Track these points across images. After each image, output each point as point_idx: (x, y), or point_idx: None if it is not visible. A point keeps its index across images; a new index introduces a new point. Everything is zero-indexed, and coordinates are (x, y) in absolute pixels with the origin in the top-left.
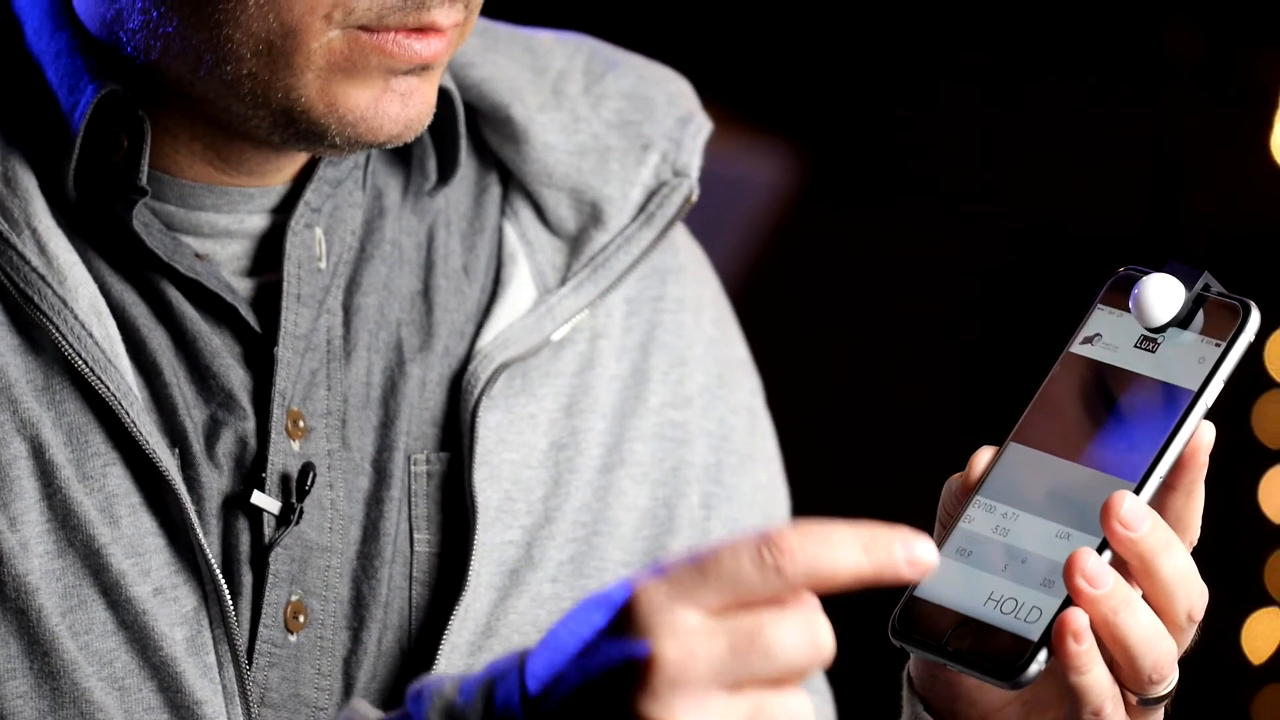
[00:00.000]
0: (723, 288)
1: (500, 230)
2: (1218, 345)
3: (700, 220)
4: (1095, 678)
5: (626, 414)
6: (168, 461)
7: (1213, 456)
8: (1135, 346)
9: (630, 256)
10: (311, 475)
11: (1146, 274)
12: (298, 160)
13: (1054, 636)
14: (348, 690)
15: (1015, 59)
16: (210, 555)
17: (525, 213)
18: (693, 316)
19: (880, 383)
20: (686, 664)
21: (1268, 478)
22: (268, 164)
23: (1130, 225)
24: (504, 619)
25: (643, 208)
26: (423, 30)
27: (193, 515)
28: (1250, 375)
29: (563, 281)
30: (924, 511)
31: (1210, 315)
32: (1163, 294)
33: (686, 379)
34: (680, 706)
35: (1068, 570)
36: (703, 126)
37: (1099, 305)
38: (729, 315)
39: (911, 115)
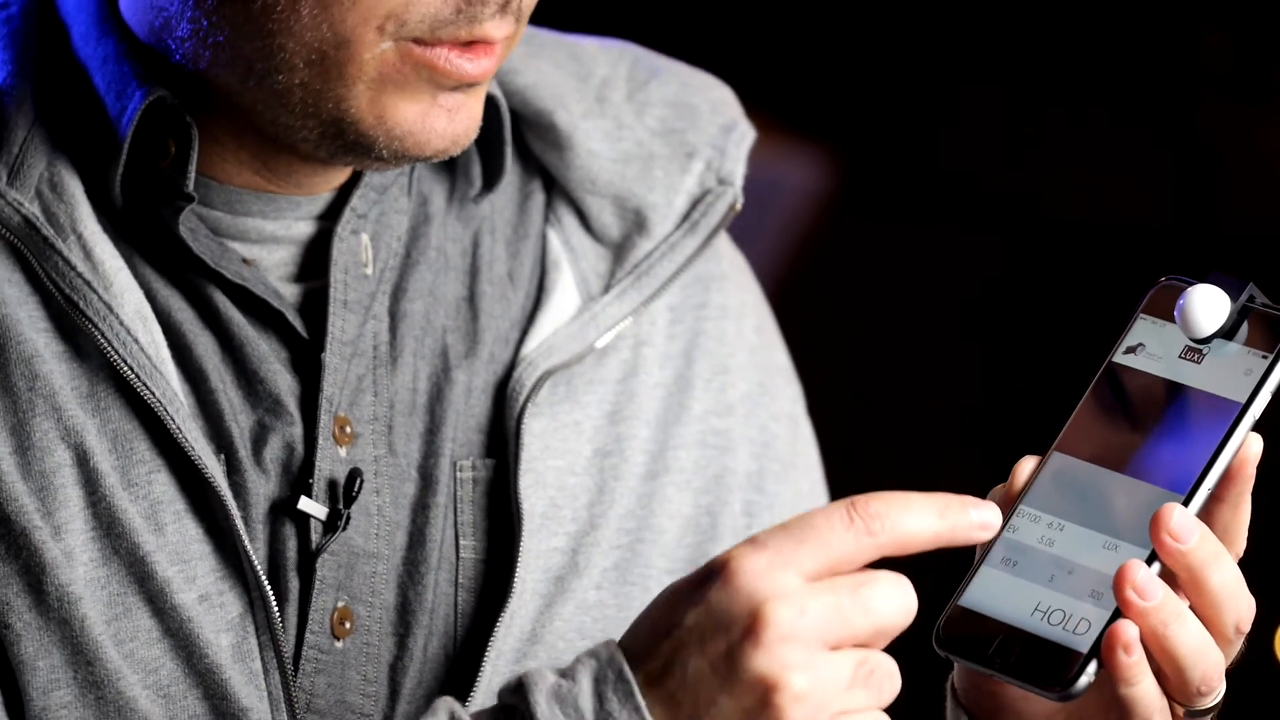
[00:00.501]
0: (764, 294)
1: (544, 237)
2: (1265, 357)
3: (735, 224)
4: (1144, 689)
5: (670, 421)
6: (213, 467)
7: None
8: (1180, 357)
9: (674, 264)
10: (359, 481)
11: (1190, 284)
12: (344, 172)
13: (1104, 648)
14: (393, 697)
15: (1050, 66)
16: (256, 561)
17: (569, 219)
18: (735, 324)
19: (916, 389)
20: (797, 621)
21: None
22: (314, 175)
23: (1166, 232)
24: (549, 626)
25: (687, 215)
26: (473, 45)
27: (238, 521)
28: None
29: (606, 289)
30: None
31: (1255, 326)
32: (1209, 305)
33: (729, 386)
34: (791, 662)
35: (1118, 582)
36: (746, 134)
37: (1141, 315)
38: (770, 322)
39: (946, 121)
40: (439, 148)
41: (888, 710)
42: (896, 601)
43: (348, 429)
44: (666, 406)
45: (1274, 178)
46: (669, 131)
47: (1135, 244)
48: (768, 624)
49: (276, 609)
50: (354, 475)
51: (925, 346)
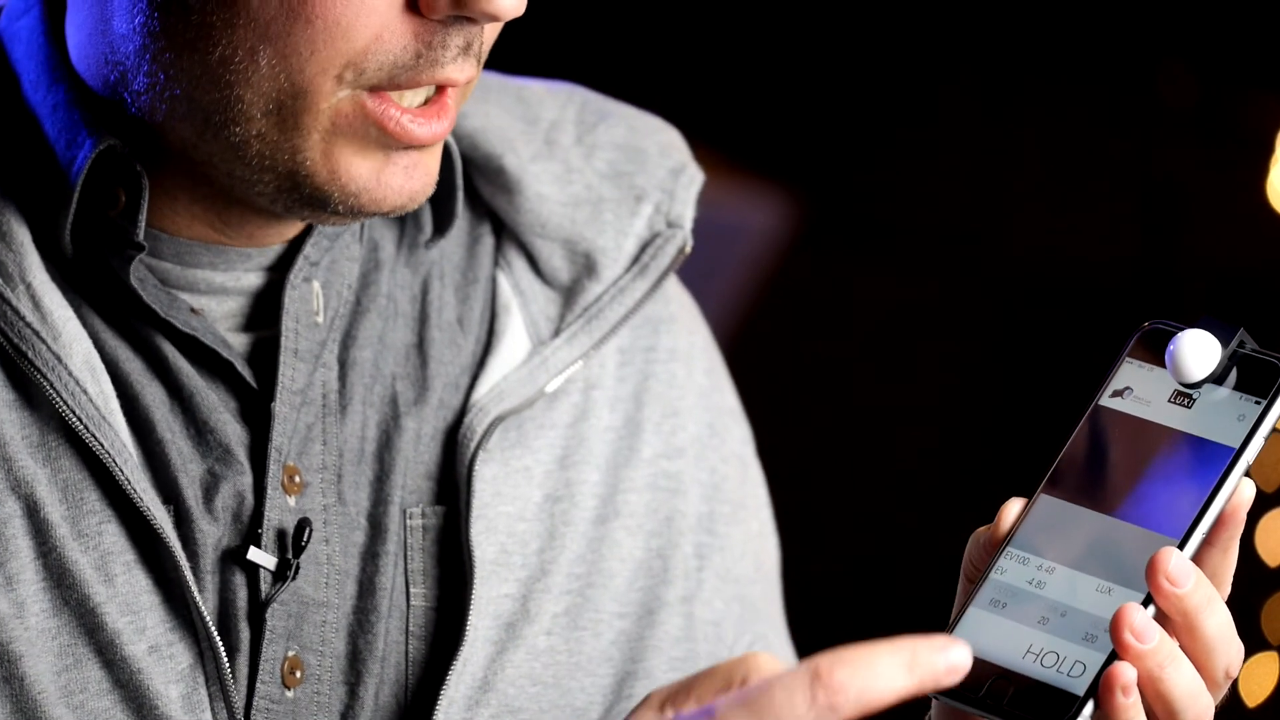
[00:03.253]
0: (712, 335)
1: (494, 281)
2: (1258, 403)
3: (695, 266)
4: None
5: (620, 464)
6: (161, 518)
7: None
8: (1169, 402)
9: (624, 307)
10: (308, 531)
11: (1177, 329)
12: (297, 225)
13: (1102, 690)
14: None
15: (1010, 103)
16: (205, 612)
17: (519, 263)
18: (684, 366)
19: (876, 427)
20: None
21: (1264, 521)
22: (268, 228)
23: (1126, 269)
24: (501, 673)
25: (636, 258)
26: (427, 105)
27: (187, 572)
28: None
29: (557, 332)
30: (916, 557)
31: (1246, 371)
32: (1200, 351)
33: (679, 429)
34: None
35: (1116, 625)
36: (695, 178)
37: (1127, 359)
38: (719, 364)
39: (906, 160)
40: (396, 204)
41: None
42: None
43: (297, 478)
44: (616, 450)
45: (1234, 215)
46: (618, 175)
47: (1097, 282)
48: None
49: (226, 659)
50: (303, 525)
51: (888, 386)
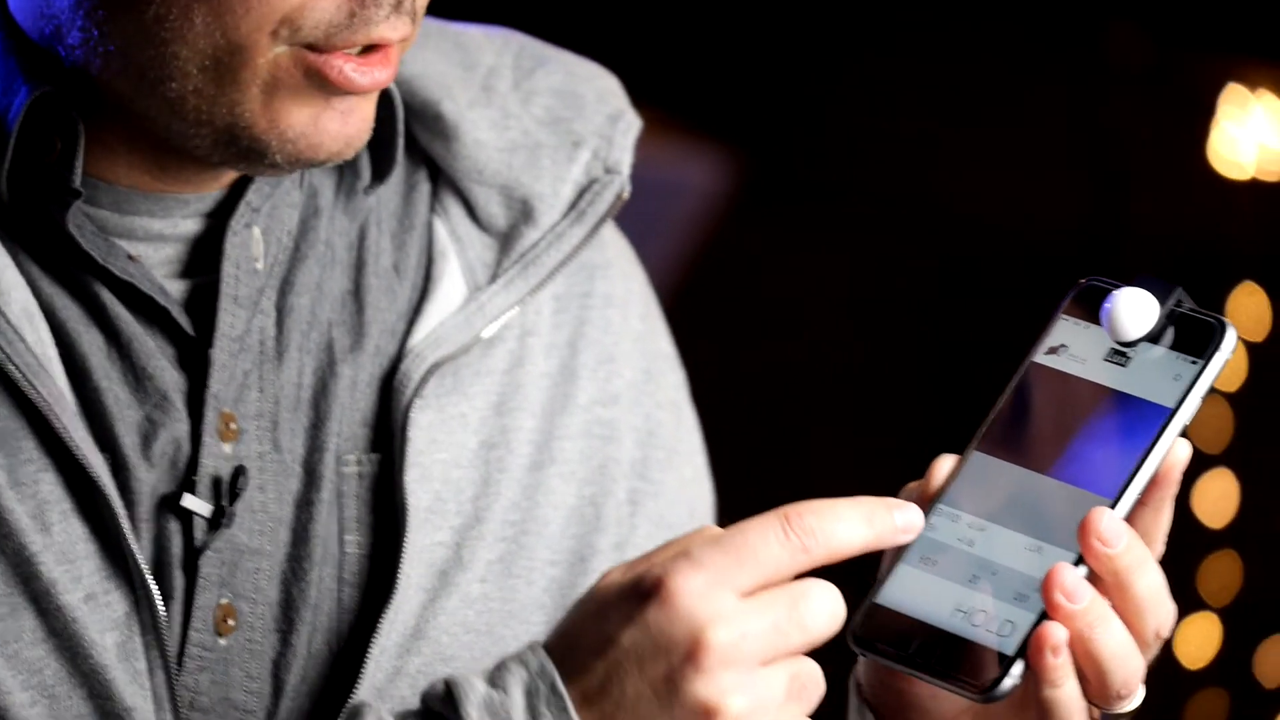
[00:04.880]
0: (648, 280)
1: (430, 227)
2: (1194, 363)
3: (634, 225)
4: (1067, 692)
5: (555, 411)
6: (99, 466)
7: None
8: (1105, 360)
9: (561, 253)
10: (243, 478)
11: (1114, 287)
12: (235, 172)
13: (1032, 650)
14: (277, 694)
15: (955, 63)
16: (141, 560)
17: (455, 210)
18: (620, 312)
19: (818, 386)
20: (738, 644)
21: (1201, 482)
22: (205, 174)
23: (1070, 231)
24: (433, 620)
25: (574, 204)
26: (369, 53)
27: (124, 520)
28: None
29: (493, 278)
30: None
31: (1183, 331)
32: (1137, 309)
33: (614, 375)
34: (731, 686)
35: (1047, 585)
36: (633, 124)
37: (1062, 316)
38: (655, 309)
39: (847, 120)
40: (333, 150)
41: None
42: (829, 612)
43: (233, 425)
44: (552, 397)
45: (1179, 179)
46: (555, 121)
47: (1041, 241)
48: (709, 649)
49: (162, 607)
50: (238, 472)
51: (827, 344)
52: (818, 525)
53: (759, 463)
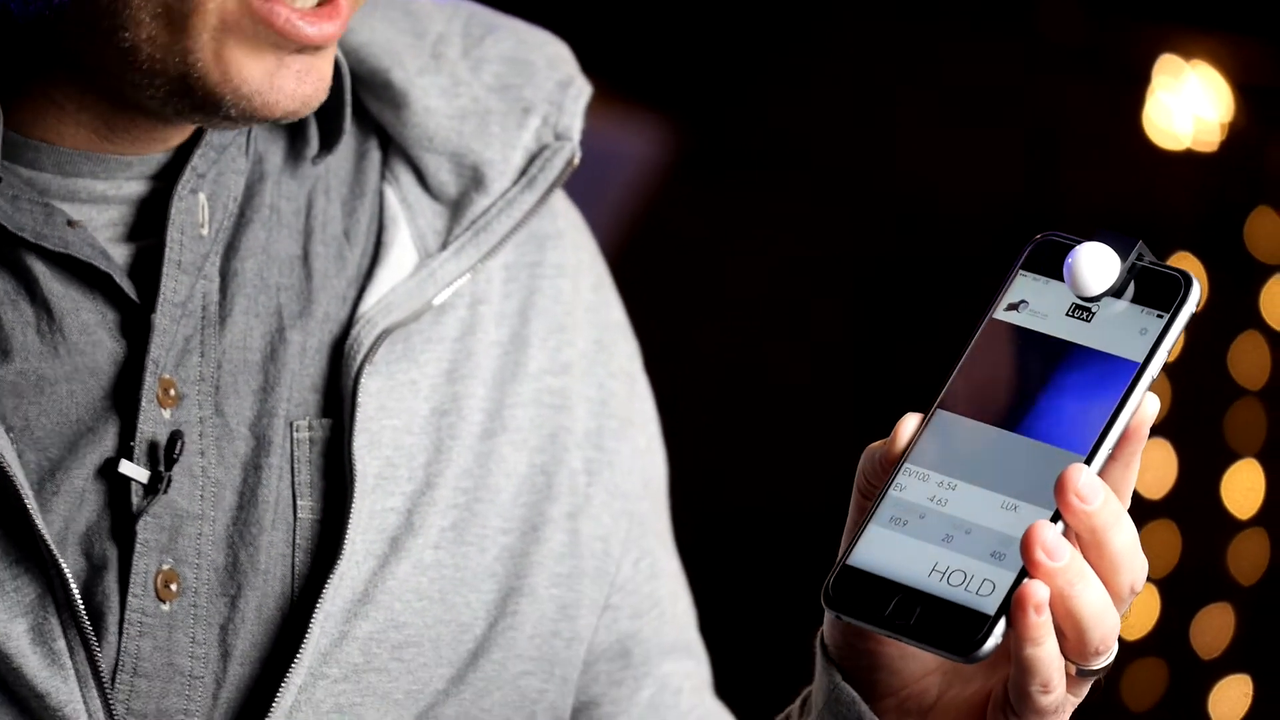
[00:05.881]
0: (599, 251)
1: (381, 194)
2: (1160, 316)
3: (572, 193)
4: (1048, 649)
5: (506, 380)
6: (3, 446)
7: None
8: (1067, 315)
9: (512, 220)
10: (180, 443)
11: (1073, 242)
12: (184, 131)
13: (1014, 609)
14: (225, 658)
15: (890, 32)
16: (49, 538)
17: (406, 177)
18: (571, 282)
19: (751, 356)
20: None
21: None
22: (154, 133)
23: (1005, 201)
24: (382, 585)
25: (524, 171)
26: (319, 8)
27: (30, 500)
28: None
29: (444, 245)
30: (793, 484)
31: (1145, 285)
32: (1099, 263)
33: (565, 345)
34: None
35: (1027, 542)
36: (583, 90)
37: (1020, 271)
38: (607, 279)
39: (784, 90)
40: (288, 108)
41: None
42: None
43: (172, 391)
44: (502, 365)
45: (1114, 149)
46: (505, 88)
47: (976, 212)
48: None
49: (73, 583)
50: (175, 437)
51: (765, 314)
52: None
53: (704, 432)
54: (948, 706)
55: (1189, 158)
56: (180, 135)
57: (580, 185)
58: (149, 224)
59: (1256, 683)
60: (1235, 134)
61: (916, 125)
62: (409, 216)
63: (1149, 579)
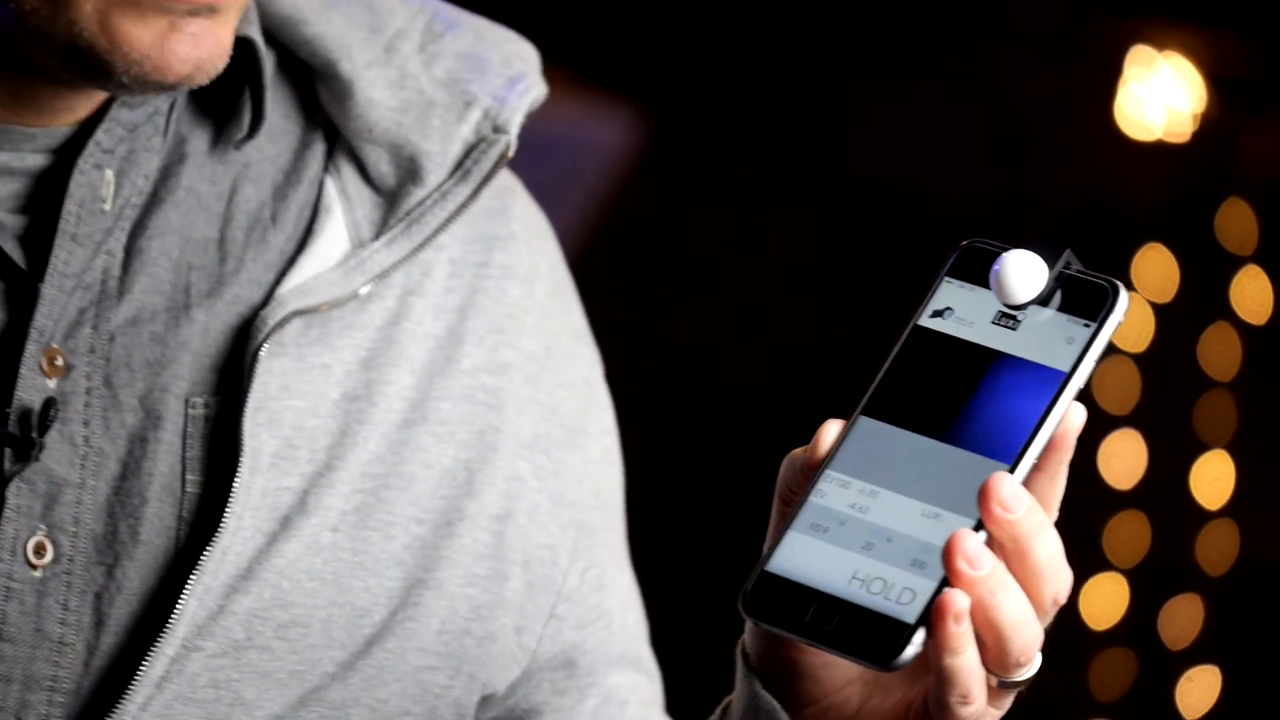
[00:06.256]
0: (563, 258)
1: (321, 185)
2: (1087, 325)
3: (542, 181)
4: (967, 659)
5: (436, 373)
6: None
7: None
8: (993, 323)
9: (445, 212)
10: (53, 410)
11: (998, 249)
12: (92, 100)
13: (934, 618)
14: (99, 626)
15: (862, 21)
16: None
17: (348, 169)
18: (522, 286)
19: (718, 350)
20: None
21: (1107, 443)
22: (59, 102)
23: (977, 192)
24: (268, 564)
25: (460, 164)
26: None
27: None
28: None
29: (377, 236)
30: (756, 484)
31: (1072, 293)
32: (1026, 271)
33: (505, 346)
34: None
35: (949, 551)
36: (533, 87)
37: (946, 278)
38: (568, 288)
39: (754, 80)
40: (182, 73)
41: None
42: None
43: (59, 361)
44: (434, 358)
45: (1086, 140)
46: (454, 82)
47: (948, 202)
48: None
49: None
50: (48, 405)
51: (736, 305)
52: None
53: (673, 428)
54: (869, 716)
55: (1160, 148)
56: (87, 107)
57: (550, 173)
58: (50, 198)
59: (1224, 674)
60: (1207, 125)
61: (888, 115)
62: (347, 207)
63: (1118, 569)
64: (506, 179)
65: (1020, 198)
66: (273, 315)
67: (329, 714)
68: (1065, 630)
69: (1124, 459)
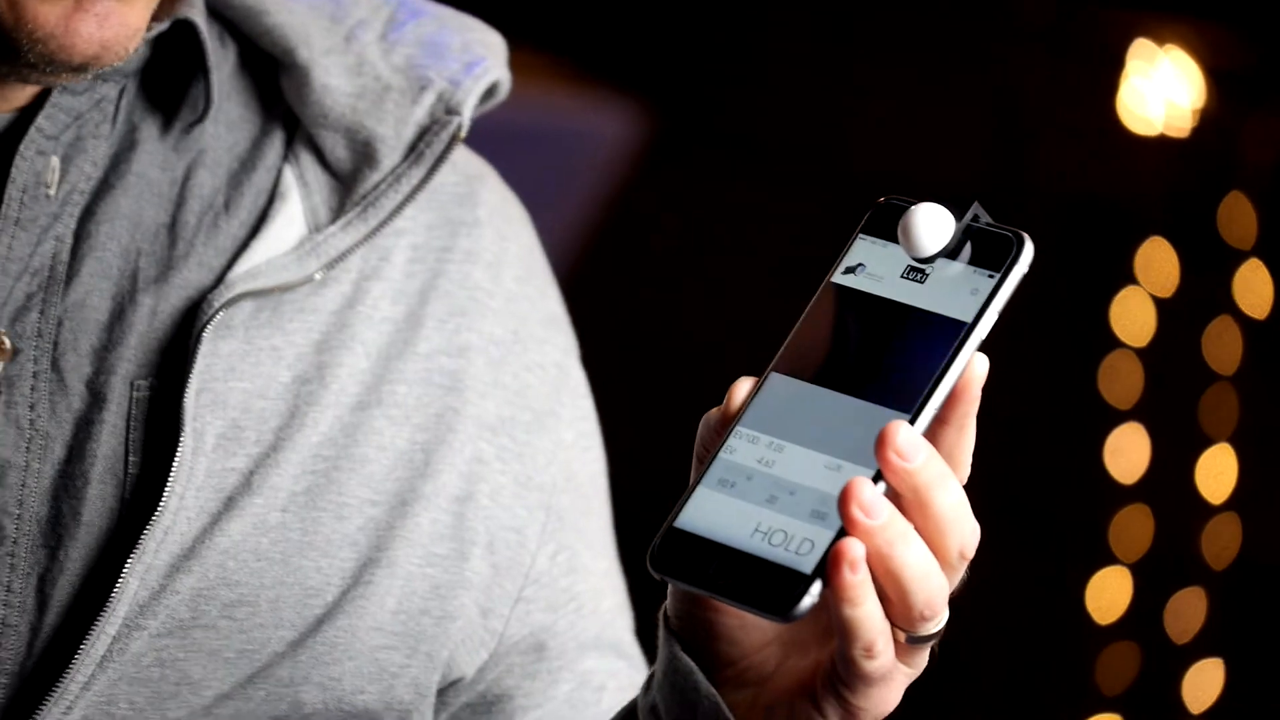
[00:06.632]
0: (538, 244)
1: (279, 172)
2: (991, 276)
3: (546, 173)
4: (868, 611)
5: (393, 356)
6: None
7: (1059, 416)
8: (902, 277)
9: (400, 195)
10: None
11: (912, 204)
12: (24, 89)
13: (829, 567)
14: (41, 608)
15: (863, 14)
16: None
17: (306, 156)
18: (487, 271)
19: (719, 344)
20: None
21: (1113, 437)
22: None
23: (978, 185)
24: (211, 543)
25: (414, 147)
26: None
27: None
28: (1096, 335)
29: (333, 220)
30: None
31: (980, 246)
32: (933, 224)
33: (466, 329)
34: None
35: (843, 500)
36: (490, 71)
37: (861, 235)
38: (541, 274)
39: (756, 72)
40: (88, 53)
41: None
42: None
43: (5, 344)
44: (391, 342)
45: (1086, 134)
46: (411, 67)
47: (948, 195)
48: None
49: None
50: None
51: (738, 300)
52: None
53: (673, 422)
54: (784, 676)
55: (1162, 142)
56: (22, 96)
57: (552, 165)
58: None
59: (1229, 667)
60: (1208, 119)
61: (889, 108)
62: (304, 193)
63: (1122, 563)
64: (477, 166)
65: (1021, 191)
66: (219, 297)
67: (278, 692)
68: (1070, 625)
69: (1128, 453)
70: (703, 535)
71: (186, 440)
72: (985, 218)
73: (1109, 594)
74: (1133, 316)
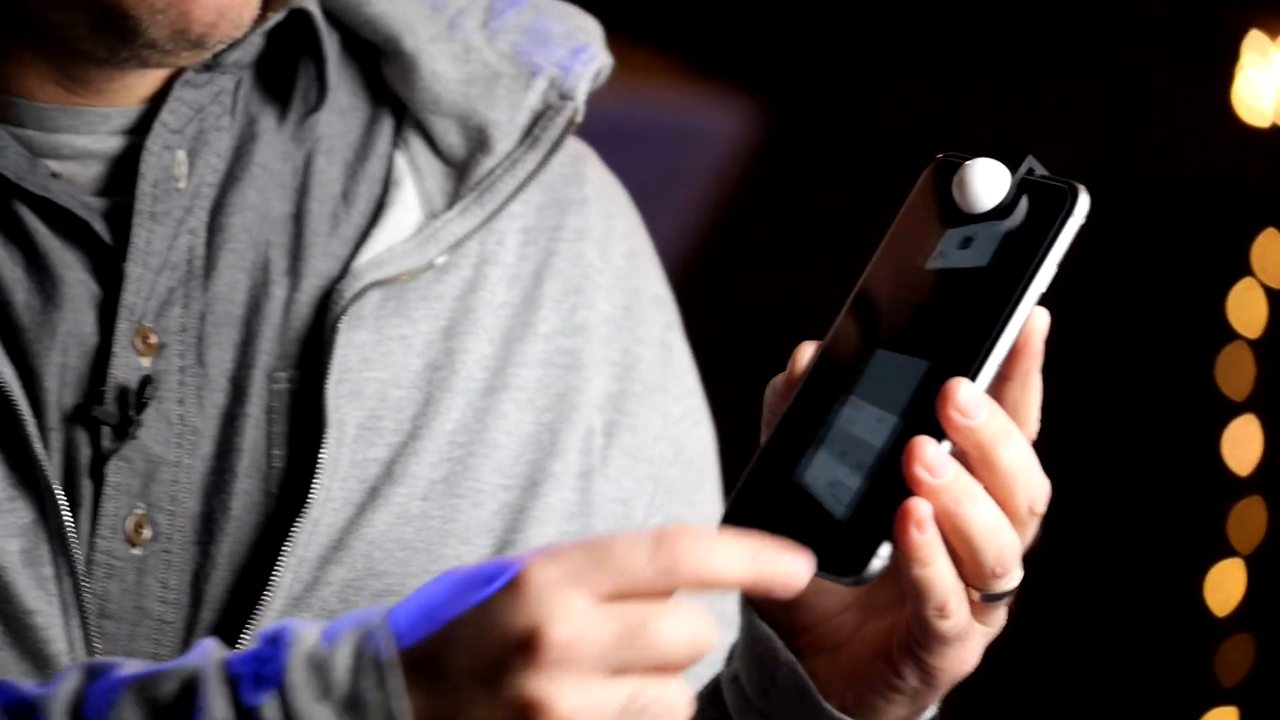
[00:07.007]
0: (640, 223)
1: (391, 160)
2: (1046, 229)
3: (660, 171)
4: (938, 571)
5: (514, 339)
6: (8, 377)
7: (1175, 408)
8: (959, 233)
9: (516, 180)
10: (150, 388)
11: (968, 159)
12: (148, 78)
13: (896, 527)
14: (196, 604)
15: (979, 10)
16: (48, 468)
17: (417, 143)
18: (597, 248)
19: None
20: (573, 646)
21: (1230, 429)
22: (112, 81)
23: (1094, 178)
24: (358, 533)
25: (529, 131)
26: None
27: (30, 427)
28: (1212, 327)
29: (449, 206)
30: None
31: (1036, 199)
32: (988, 179)
33: (583, 307)
34: (562, 686)
35: (907, 459)
36: (597, 56)
37: (916, 194)
38: (645, 250)
39: (873, 70)
40: (207, 21)
41: None
42: (685, 638)
43: (151, 339)
44: (511, 325)
45: (1205, 123)
46: (518, 54)
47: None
48: (543, 644)
49: (70, 515)
50: (145, 382)
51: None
52: (691, 552)
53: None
54: (862, 640)
55: (1276, 134)
56: (145, 86)
57: (666, 163)
58: (129, 178)
59: None
60: None
61: (1006, 103)
62: (417, 180)
63: (1238, 554)
64: (579, 147)
65: (1138, 182)
66: (349, 288)
67: None
68: (1189, 617)
69: (1243, 444)
70: (772, 494)
71: (331, 431)
72: (1040, 170)
73: (1226, 587)
74: (1249, 308)
